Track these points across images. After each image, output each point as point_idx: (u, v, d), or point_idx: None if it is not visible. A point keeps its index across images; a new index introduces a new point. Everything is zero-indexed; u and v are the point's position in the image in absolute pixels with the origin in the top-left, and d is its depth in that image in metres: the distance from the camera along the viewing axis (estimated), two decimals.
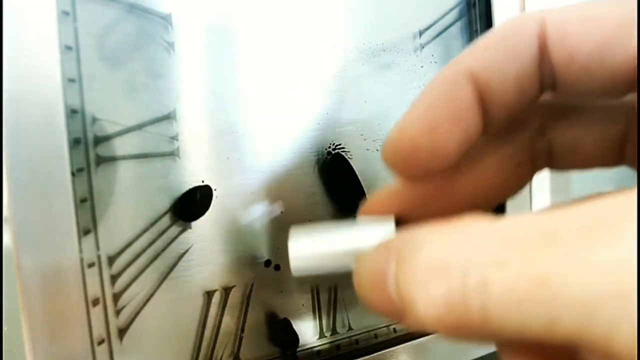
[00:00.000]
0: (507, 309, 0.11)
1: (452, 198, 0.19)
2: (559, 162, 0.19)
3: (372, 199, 0.20)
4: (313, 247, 0.18)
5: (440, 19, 0.28)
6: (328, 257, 0.18)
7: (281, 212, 0.24)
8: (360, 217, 0.19)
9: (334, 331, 0.26)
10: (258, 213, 0.23)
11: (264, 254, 0.24)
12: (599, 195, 0.11)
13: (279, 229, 0.24)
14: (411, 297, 0.13)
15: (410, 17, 0.27)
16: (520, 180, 0.19)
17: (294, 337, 0.24)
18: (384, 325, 0.28)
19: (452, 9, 0.28)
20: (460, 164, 0.18)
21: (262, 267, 0.24)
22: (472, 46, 0.17)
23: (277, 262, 0.24)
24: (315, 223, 0.19)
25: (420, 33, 0.27)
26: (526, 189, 0.30)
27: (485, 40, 0.17)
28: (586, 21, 0.15)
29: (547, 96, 0.18)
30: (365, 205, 0.20)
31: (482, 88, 0.16)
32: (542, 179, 0.32)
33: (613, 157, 0.18)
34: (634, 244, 0.09)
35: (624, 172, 0.19)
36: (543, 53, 0.16)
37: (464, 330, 0.12)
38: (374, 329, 0.28)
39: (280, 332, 0.24)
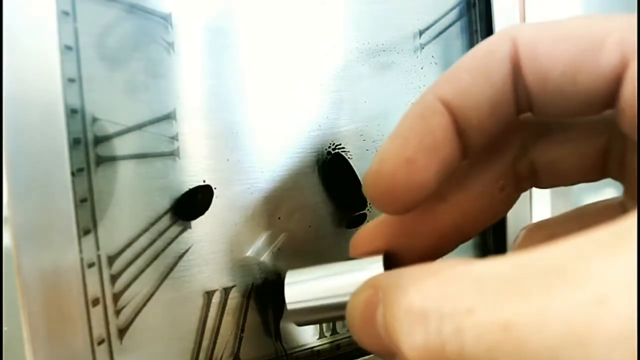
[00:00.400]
0: (480, 355, 0.11)
1: (438, 226, 0.19)
2: (543, 180, 0.19)
3: (361, 232, 0.20)
4: (307, 293, 0.19)
5: (440, 19, 0.28)
6: (322, 301, 0.19)
7: (279, 217, 0.24)
8: (351, 260, 0.19)
9: (334, 331, 0.26)
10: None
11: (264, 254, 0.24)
12: (560, 240, 0.11)
13: (280, 229, 0.24)
14: (396, 340, 0.13)
15: (410, 17, 0.27)
16: (505, 203, 0.20)
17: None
18: None
19: (452, 9, 0.28)
20: (443, 192, 0.18)
21: (263, 268, 0.24)
22: (445, 73, 0.17)
23: (276, 262, 0.24)
24: (307, 267, 0.20)
25: (420, 33, 0.27)
26: (526, 195, 0.30)
27: (457, 65, 0.17)
28: (557, 41, 0.15)
29: (526, 116, 0.18)
30: (354, 239, 0.20)
31: (457, 115, 0.16)
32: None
33: (595, 171, 0.18)
34: (590, 289, 0.10)
35: None
36: (516, 75, 0.16)
37: None
38: None
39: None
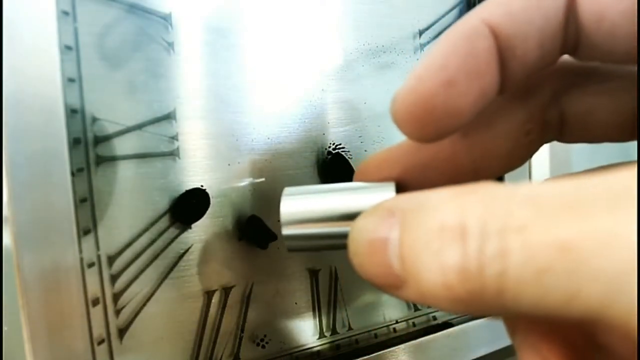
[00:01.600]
0: (525, 279, 0.10)
1: (455, 165, 0.17)
2: (569, 133, 0.18)
3: (368, 161, 0.18)
4: (306, 209, 0.16)
5: (440, 19, 0.28)
6: (322, 220, 0.16)
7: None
8: (359, 183, 0.17)
9: (334, 331, 0.26)
10: None
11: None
12: (621, 164, 0.10)
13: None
14: (416, 264, 0.12)
15: (410, 17, 0.27)
16: (528, 149, 0.18)
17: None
18: (384, 325, 0.28)
19: (452, 9, 0.28)
20: (466, 127, 0.17)
21: (262, 268, 0.24)
22: None
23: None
24: (309, 185, 0.17)
25: (420, 33, 0.27)
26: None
27: None
28: None
29: (562, 62, 0.17)
30: (360, 166, 0.18)
31: (503, 41, 0.15)
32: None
33: (626, 131, 0.17)
34: None
35: (625, 149, 0.19)
36: (571, 9, 0.15)
37: (473, 303, 0.11)
38: (374, 329, 0.28)
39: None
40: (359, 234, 0.14)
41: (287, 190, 0.17)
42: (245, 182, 0.23)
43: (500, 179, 0.29)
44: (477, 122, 0.17)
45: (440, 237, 0.11)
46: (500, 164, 0.18)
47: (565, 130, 0.18)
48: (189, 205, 0.21)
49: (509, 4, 0.15)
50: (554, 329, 0.13)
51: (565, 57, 0.17)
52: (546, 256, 0.10)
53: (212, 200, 0.22)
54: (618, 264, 0.09)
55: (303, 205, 0.16)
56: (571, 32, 0.15)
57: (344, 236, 0.15)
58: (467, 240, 0.11)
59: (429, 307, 0.29)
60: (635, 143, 0.17)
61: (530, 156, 0.19)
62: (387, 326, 0.28)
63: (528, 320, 0.13)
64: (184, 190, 0.22)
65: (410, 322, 0.29)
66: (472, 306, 0.11)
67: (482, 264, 0.10)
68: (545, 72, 0.17)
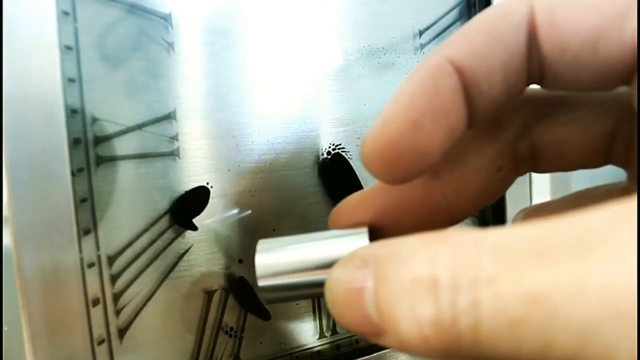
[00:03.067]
0: (500, 330, 0.10)
1: (429, 204, 0.18)
2: (542, 164, 0.18)
3: (341, 206, 0.18)
4: (280, 261, 0.17)
5: (440, 19, 0.28)
6: (297, 271, 0.16)
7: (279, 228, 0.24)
8: (331, 230, 0.18)
9: (334, 331, 0.26)
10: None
11: None
12: (595, 207, 0.10)
13: (282, 230, 0.24)
14: (393, 316, 0.12)
15: (410, 17, 0.27)
16: (501, 185, 0.18)
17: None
18: None
19: (452, 9, 0.28)
20: (436, 166, 0.17)
21: None
22: (456, 33, 0.15)
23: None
24: (282, 236, 0.17)
25: (420, 33, 0.27)
26: (526, 189, 0.30)
27: (469, 27, 0.15)
28: (578, 7, 0.14)
29: (529, 93, 0.17)
30: (334, 211, 0.19)
31: (467, 78, 0.15)
32: (542, 178, 0.32)
33: (600, 156, 0.17)
34: (633, 259, 0.09)
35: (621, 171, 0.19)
36: (532, 41, 0.15)
37: (452, 352, 0.11)
38: None
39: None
40: (335, 285, 0.14)
41: (261, 242, 0.17)
42: (245, 181, 0.23)
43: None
44: (448, 160, 0.17)
45: (413, 289, 0.11)
46: (474, 200, 0.18)
47: (539, 161, 0.18)
48: (189, 207, 0.21)
49: (471, 41, 0.15)
50: None
51: (532, 88, 0.17)
52: (518, 307, 0.10)
53: (212, 200, 0.22)
54: (588, 312, 0.09)
55: (277, 257, 0.17)
56: (534, 63, 0.15)
57: (320, 285, 0.15)
58: (439, 293, 0.11)
59: None
60: (633, 159, 0.17)
61: (505, 190, 0.19)
62: None
63: None
64: (183, 191, 0.21)
65: None
66: (450, 355, 0.11)
67: (455, 316, 0.10)
68: (513, 105, 0.17)
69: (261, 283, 0.17)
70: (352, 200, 0.18)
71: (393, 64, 0.27)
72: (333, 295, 0.14)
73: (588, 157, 0.17)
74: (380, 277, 0.12)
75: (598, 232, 0.09)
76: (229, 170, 0.23)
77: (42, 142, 0.18)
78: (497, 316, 0.10)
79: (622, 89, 0.15)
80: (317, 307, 0.26)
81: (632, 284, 0.09)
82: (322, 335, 0.26)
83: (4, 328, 0.18)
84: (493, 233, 0.11)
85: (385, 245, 0.13)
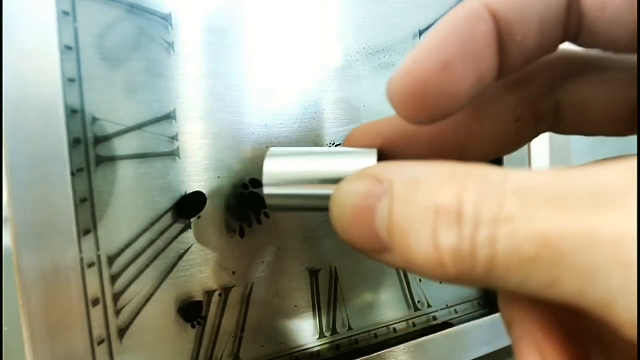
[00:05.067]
0: (511, 266, 0.11)
1: (440, 141, 0.17)
2: (565, 125, 0.18)
3: (354, 131, 0.18)
4: (287, 170, 0.17)
5: (440, 19, 0.28)
6: (302, 182, 0.16)
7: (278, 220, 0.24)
8: (342, 147, 0.17)
9: (334, 331, 0.26)
10: None
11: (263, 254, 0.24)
12: (614, 159, 0.11)
13: (281, 229, 0.24)
14: (407, 237, 0.12)
15: (410, 17, 0.27)
16: (519, 137, 0.18)
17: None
18: (384, 325, 0.28)
19: (452, 9, 0.28)
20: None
21: (262, 268, 0.24)
22: None
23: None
24: (294, 147, 0.17)
25: (420, 33, 0.27)
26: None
27: None
28: None
29: (561, 51, 0.17)
30: (348, 137, 0.19)
31: (503, 26, 0.15)
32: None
33: (623, 125, 0.17)
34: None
35: (625, 144, 0.18)
36: None
37: (463, 279, 0.12)
38: (374, 329, 0.28)
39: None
40: (344, 199, 0.14)
41: (271, 150, 0.17)
42: (245, 181, 0.23)
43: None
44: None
45: (436, 217, 0.12)
46: (487, 147, 0.18)
47: (561, 121, 0.18)
48: (192, 201, 0.21)
49: None
50: (552, 324, 0.13)
51: (564, 47, 0.16)
52: (531, 247, 0.10)
53: (212, 202, 0.22)
54: (594, 259, 0.10)
55: (285, 166, 0.17)
56: (573, 19, 0.15)
57: (323, 198, 0.15)
58: (462, 225, 0.11)
59: (429, 306, 0.29)
60: (634, 138, 0.16)
61: (522, 145, 0.18)
62: (387, 326, 0.28)
63: (526, 314, 0.14)
64: (184, 190, 0.21)
65: (410, 322, 0.29)
66: (460, 281, 0.12)
67: (474, 249, 0.11)
68: (543, 61, 0.17)
69: (267, 191, 0.17)
70: (366, 126, 0.18)
71: (393, 64, 0.27)
72: (340, 209, 0.14)
73: (611, 123, 0.17)
74: (398, 199, 0.13)
75: (612, 186, 0.10)
76: (228, 170, 0.23)
77: (42, 142, 0.18)
78: (511, 253, 0.11)
79: None
80: (317, 307, 0.26)
81: (635, 238, 0.09)
82: (322, 335, 0.26)
83: (4, 328, 0.18)
84: (516, 175, 0.11)
85: (403, 168, 0.13)
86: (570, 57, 0.17)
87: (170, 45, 0.21)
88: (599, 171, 0.10)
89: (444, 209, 0.12)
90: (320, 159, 0.17)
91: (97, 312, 0.20)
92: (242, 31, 0.23)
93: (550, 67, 0.17)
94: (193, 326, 0.22)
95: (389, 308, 0.28)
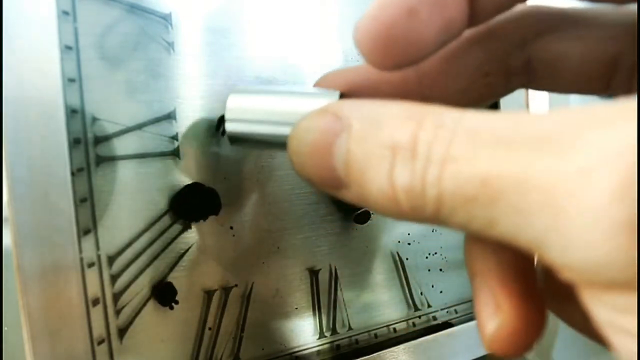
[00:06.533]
0: (456, 205, 0.11)
1: (404, 91, 0.17)
2: (537, 81, 0.18)
3: (324, 76, 0.19)
4: (250, 107, 0.17)
5: None
6: (265, 117, 0.17)
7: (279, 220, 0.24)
8: (306, 88, 0.18)
9: (334, 331, 0.26)
10: None
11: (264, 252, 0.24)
12: (568, 108, 0.11)
13: (282, 229, 0.24)
14: (363, 173, 0.12)
15: None
16: (488, 92, 0.18)
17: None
18: (384, 325, 0.28)
19: None
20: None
21: (262, 268, 0.24)
22: None
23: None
24: (259, 86, 0.18)
25: None
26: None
27: None
28: None
29: (532, 7, 0.16)
30: (315, 83, 0.19)
31: None
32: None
33: (598, 83, 0.17)
34: (578, 158, 0.09)
35: None
36: None
37: (414, 215, 0.12)
38: (374, 329, 0.28)
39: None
40: (303, 134, 0.14)
41: (236, 87, 0.18)
42: (245, 181, 0.23)
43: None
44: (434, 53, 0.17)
45: (393, 154, 0.12)
46: (451, 100, 0.17)
47: (533, 78, 0.17)
48: (192, 202, 0.21)
49: None
50: (510, 277, 0.14)
51: (536, 4, 0.16)
52: (471, 187, 0.11)
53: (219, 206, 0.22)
54: (526, 201, 0.10)
55: (248, 103, 0.17)
56: None
57: (284, 135, 0.15)
58: (415, 163, 0.12)
59: (429, 306, 0.29)
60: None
61: (493, 99, 0.18)
62: (387, 326, 0.28)
63: (486, 266, 0.14)
64: (182, 188, 0.21)
65: (410, 322, 0.29)
66: (413, 218, 0.12)
67: (424, 186, 0.11)
68: (514, 15, 0.17)
69: (229, 127, 0.17)
70: (333, 73, 0.18)
71: None
72: (299, 144, 0.14)
73: (585, 80, 0.17)
74: (356, 135, 0.13)
75: (553, 131, 0.10)
76: (228, 170, 0.23)
77: (42, 142, 0.18)
78: (454, 192, 0.11)
79: (632, 7, 0.15)
80: (317, 306, 0.26)
81: (573, 183, 0.09)
82: (322, 335, 0.26)
83: (4, 328, 0.18)
84: (470, 117, 0.11)
85: (363, 105, 0.13)
86: (542, 12, 0.17)
87: (170, 45, 0.21)
88: (546, 117, 0.11)
89: (400, 146, 0.12)
90: (283, 97, 0.17)
91: (97, 312, 0.20)
92: (242, 31, 0.23)
93: (522, 21, 0.17)
94: (171, 307, 0.21)
95: (389, 308, 0.28)
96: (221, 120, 0.22)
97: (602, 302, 0.10)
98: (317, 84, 0.19)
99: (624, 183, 0.09)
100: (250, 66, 0.23)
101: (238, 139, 0.18)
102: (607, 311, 0.10)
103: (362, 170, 0.12)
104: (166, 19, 0.21)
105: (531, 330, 0.13)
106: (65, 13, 0.19)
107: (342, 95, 0.17)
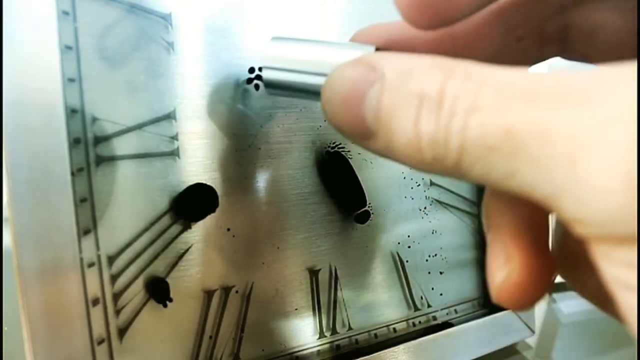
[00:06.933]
0: (477, 154, 0.11)
1: (437, 51, 0.17)
2: (572, 49, 0.18)
3: (359, 32, 0.19)
4: (288, 54, 0.17)
5: None
6: (302, 66, 0.17)
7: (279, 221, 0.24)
8: (344, 42, 0.18)
9: (333, 331, 0.26)
10: None
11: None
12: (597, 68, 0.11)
13: (281, 229, 0.24)
14: (392, 122, 0.13)
15: None
16: (520, 58, 0.18)
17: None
18: (384, 325, 0.28)
19: None
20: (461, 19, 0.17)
21: (263, 268, 0.24)
22: None
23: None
24: (297, 37, 0.18)
25: None
26: None
27: None
28: None
29: None
30: (351, 38, 0.19)
31: None
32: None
33: (631, 56, 0.16)
34: (599, 111, 0.10)
35: None
36: None
37: (437, 165, 0.12)
38: (374, 329, 0.28)
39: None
40: (337, 82, 0.14)
41: (274, 36, 0.18)
42: (245, 181, 0.23)
43: None
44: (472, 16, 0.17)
45: (420, 104, 0.12)
46: (486, 61, 0.18)
47: (569, 45, 0.17)
48: (192, 202, 0.21)
49: None
50: (523, 232, 0.14)
51: None
52: (494, 137, 0.11)
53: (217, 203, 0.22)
54: (547, 153, 0.10)
55: (285, 51, 0.17)
56: None
57: (320, 86, 0.15)
58: (441, 113, 0.12)
59: (429, 306, 0.29)
60: None
61: (527, 64, 0.18)
62: (387, 326, 0.28)
63: (501, 221, 0.14)
64: (183, 190, 0.21)
65: (410, 322, 0.29)
66: (434, 167, 0.12)
67: (448, 135, 0.12)
68: None
69: (266, 74, 0.18)
70: (369, 28, 0.19)
71: None
72: (332, 92, 0.14)
73: (619, 52, 0.17)
74: (388, 85, 0.13)
75: (578, 86, 0.10)
76: (228, 170, 0.23)
77: (42, 142, 0.18)
78: (477, 141, 0.11)
79: None
80: (317, 306, 0.26)
81: (592, 135, 0.10)
82: (322, 335, 0.26)
83: (4, 328, 0.18)
84: (499, 72, 0.12)
85: (397, 57, 0.13)
86: None
87: (170, 45, 0.21)
88: (570, 74, 0.11)
89: (427, 96, 0.12)
90: (321, 48, 0.17)
91: (97, 312, 0.20)
92: (242, 31, 0.23)
93: None
94: (165, 305, 0.21)
95: (389, 308, 0.28)
96: (252, 71, 0.22)
97: (613, 258, 0.10)
98: (353, 39, 0.19)
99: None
100: (250, 66, 0.23)
101: (274, 86, 0.18)
102: (617, 268, 0.10)
103: (391, 119, 0.13)
104: (166, 19, 0.21)
105: (539, 284, 0.14)
106: (65, 13, 0.19)
107: (377, 50, 0.17)
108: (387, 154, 0.13)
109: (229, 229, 0.23)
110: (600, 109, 0.10)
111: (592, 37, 0.17)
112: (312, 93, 0.17)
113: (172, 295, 0.21)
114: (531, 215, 0.14)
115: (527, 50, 0.18)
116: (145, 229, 0.21)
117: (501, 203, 0.15)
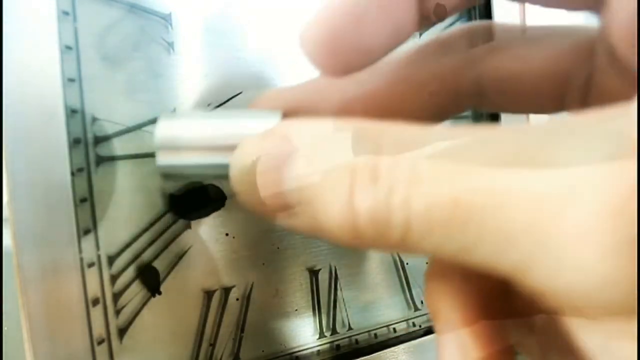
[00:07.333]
0: (425, 230, 0.10)
1: (347, 114, 0.16)
2: (488, 100, 0.17)
3: (260, 98, 0.17)
4: (184, 135, 0.15)
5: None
6: (200, 144, 0.15)
7: None
8: (244, 109, 0.16)
9: (333, 331, 0.26)
10: None
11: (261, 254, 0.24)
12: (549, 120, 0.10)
13: (281, 229, 0.24)
14: (318, 201, 0.11)
15: None
16: (439, 112, 0.17)
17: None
18: (384, 325, 0.28)
19: None
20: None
21: (262, 268, 0.24)
22: None
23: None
24: (190, 111, 0.16)
25: (420, 33, 0.27)
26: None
27: None
28: None
29: (482, 22, 0.16)
30: (252, 104, 0.18)
31: None
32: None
33: (550, 102, 0.16)
34: (561, 177, 0.09)
35: None
36: None
37: (378, 242, 0.11)
38: (374, 329, 0.28)
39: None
40: (248, 159, 0.13)
41: (164, 114, 0.16)
42: None
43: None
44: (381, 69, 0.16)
45: (352, 177, 0.11)
46: (394, 114, 0.16)
47: (484, 98, 0.17)
48: (191, 202, 0.21)
49: None
50: (476, 312, 0.13)
51: (488, 21, 0.16)
52: (442, 210, 0.10)
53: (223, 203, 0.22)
54: (506, 223, 0.09)
55: (181, 131, 0.15)
56: None
57: (225, 166, 0.14)
58: (378, 187, 0.11)
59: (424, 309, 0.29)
60: None
61: (443, 119, 0.17)
62: (387, 326, 0.28)
63: (451, 303, 0.13)
64: (184, 191, 0.21)
65: (410, 322, 0.29)
66: (375, 244, 0.11)
67: (390, 210, 0.10)
68: (462, 32, 0.16)
69: (160, 160, 0.15)
70: (271, 92, 0.18)
71: None
72: (243, 170, 0.13)
73: (538, 100, 0.16)
74: (309, 158, 0.12)
75: (532, 147, 0.09)
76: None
77: (42, 142, 0.18)
78: (424, 216, 0.10)
79: (581, 29, 0.14)
80: (317, 306, 0.26)
81: (556, 203, 0.09)
82: (322, 335, 0.26)
83: (4, 328, 0.18)
84: (434, 132, 0.11)
85: (312, 125, 0.12)
86: (491, 30, 0.16)
87: (170, 45, 0.21)
88: (519, 131, 0.10)
89: (359, 168, 0.11)
90: (220, 120, 0.15)
91: (97, 312, 0.20)
92: (242, 31, 0.23)
93: (470, 37, 0.16)
94: (153, 295, 0.21)
95: (389, 308, 0.28)
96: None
97: (593, 329, 0.09)
98: (255, 104, 0.17)
99: (622, 197, 0.08)
100: (250, 66, 0.23)
101: (171, 172, 0.15)
102: (600, 338, 0.09)
103: (317, 194, 0.11)
104: (166, 19, 0.21)
105: None
106: (65, 13, 0.19)
107: (285, 116, 0.16)
108: (312, 231, 0.12)
109: (228, 231, 0.23)
110: (563, 171, 0.09)
111: (508, 87, 0.16)
112: (218, 175, 0.15)
113: (172, 295, 0.21)
114: (487, 290, 0.13)
115: (444, 105, 0.17)
116: (145, 229, 0.21)
117: (449, 282, 0.13)
